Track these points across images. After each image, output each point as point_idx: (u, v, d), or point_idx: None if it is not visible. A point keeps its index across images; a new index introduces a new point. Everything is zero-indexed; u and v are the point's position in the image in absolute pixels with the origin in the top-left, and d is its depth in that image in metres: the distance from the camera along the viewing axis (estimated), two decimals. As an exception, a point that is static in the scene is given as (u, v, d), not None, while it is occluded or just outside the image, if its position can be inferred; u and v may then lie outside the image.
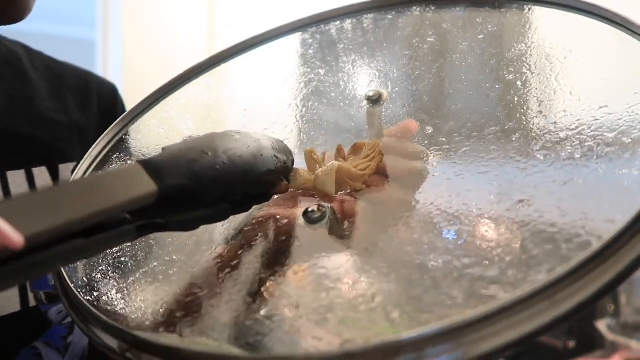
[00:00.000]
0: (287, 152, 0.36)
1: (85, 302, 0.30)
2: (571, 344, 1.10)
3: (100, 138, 0.47)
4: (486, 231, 0.28)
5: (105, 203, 0.25)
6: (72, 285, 0.32)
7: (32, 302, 0.50)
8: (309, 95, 0.46)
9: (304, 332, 0.26)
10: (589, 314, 1.13)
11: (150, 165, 0.28)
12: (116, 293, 0.33)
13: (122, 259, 0.35)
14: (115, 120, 0.49)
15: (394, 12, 0.48)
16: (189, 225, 0.31)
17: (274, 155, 0.34)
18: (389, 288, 0.27)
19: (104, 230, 0.26)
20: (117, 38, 2.80)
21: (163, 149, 0.30)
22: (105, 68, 2.56)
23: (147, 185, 0.27)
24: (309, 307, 0.27)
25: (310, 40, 0.50)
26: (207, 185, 0.29)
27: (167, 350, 0.26)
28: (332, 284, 0.28)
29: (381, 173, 0.36)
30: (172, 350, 0.26)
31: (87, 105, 0.62)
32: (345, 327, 0.26)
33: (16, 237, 0.21)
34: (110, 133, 0.47)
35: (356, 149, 0.37)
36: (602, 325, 1.11)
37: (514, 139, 0.33)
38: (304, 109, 0.45)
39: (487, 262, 0.26)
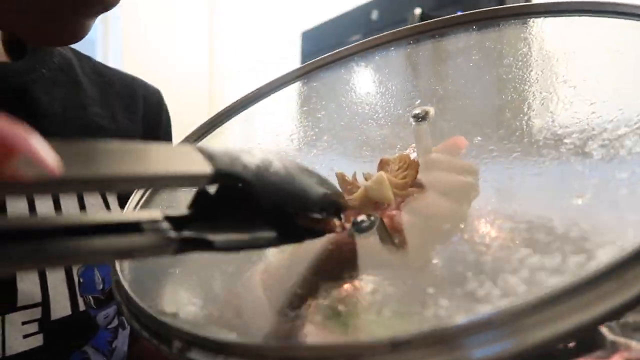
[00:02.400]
0: (336, 195, 0.32)
1: (147, 309, 0.28)
2: (571, 344, 1.10)
3: None
4: (536, 233, 0.27)
5: (157, 168, 0.22)
6: (132, 293, 0.30)
7: (82, 307, 0.50)
8: (353, 119, 0.46)
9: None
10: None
11: (205, 150, 0.24)
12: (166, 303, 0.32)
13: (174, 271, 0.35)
14: (159, 127, 0.48)
15: (436, 36, 0.49)
16: (236, 246, 0.26)
17: (327, 192, 0.31)
18: (438, 298, 0.26)
19: (141, 231, 0.22)
20: (117, 38, 2.79)
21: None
22: (106, 68, 2.55)
23: (201, 164, 0.23)
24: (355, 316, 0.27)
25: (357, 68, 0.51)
26: (265, 185, 0.26)
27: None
28: (381, 294, 0.28)
29: (417, 184, 0.35)
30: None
31: (134, 111, 0.61)
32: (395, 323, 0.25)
33: (54, 164, 0.17)
34: None
35: (382, 165, 0.37)
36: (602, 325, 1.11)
37: (566, 141, 0.33)
38: (347, 131, 0.45)
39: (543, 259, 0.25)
